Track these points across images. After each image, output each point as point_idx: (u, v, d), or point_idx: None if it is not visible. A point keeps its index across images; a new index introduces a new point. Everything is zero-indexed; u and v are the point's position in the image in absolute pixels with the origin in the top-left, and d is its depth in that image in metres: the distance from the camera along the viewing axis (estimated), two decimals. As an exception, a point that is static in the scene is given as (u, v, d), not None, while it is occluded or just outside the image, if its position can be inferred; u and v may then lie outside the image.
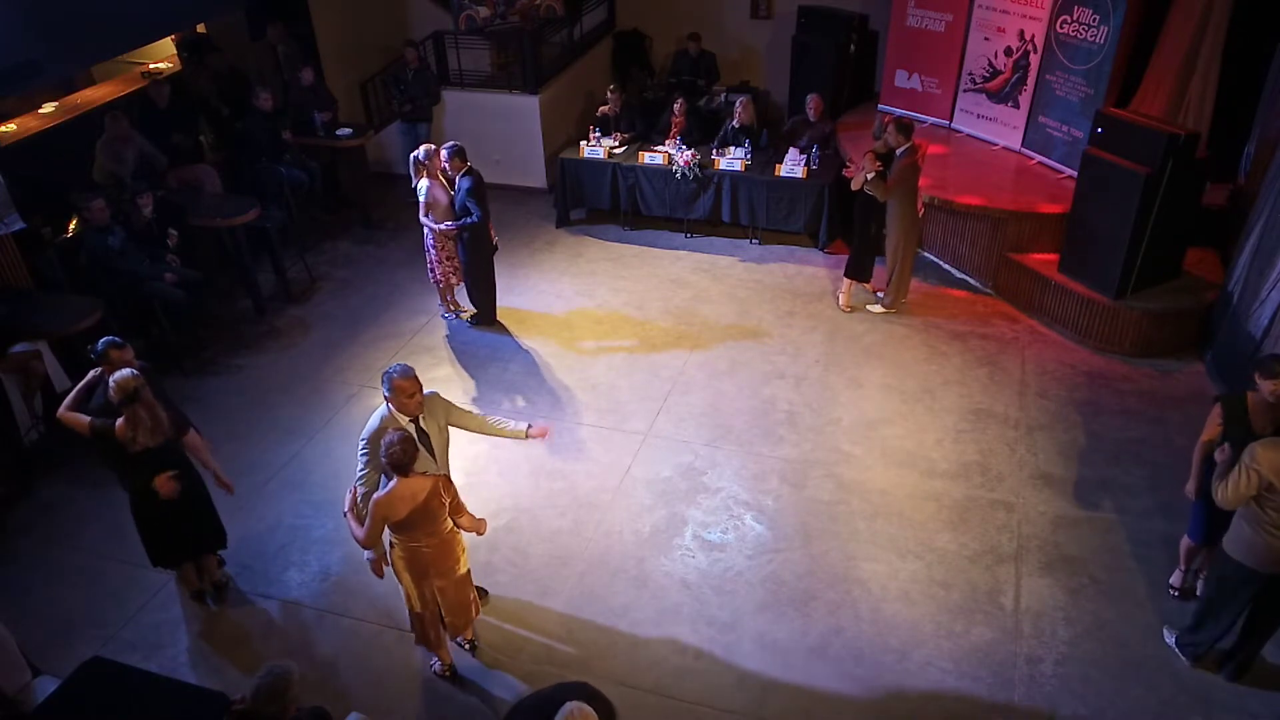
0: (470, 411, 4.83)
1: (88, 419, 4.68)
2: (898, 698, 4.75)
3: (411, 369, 4.48)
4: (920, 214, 7.55)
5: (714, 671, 4.90)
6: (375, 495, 4.26)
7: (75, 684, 4.23)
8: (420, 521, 4.25)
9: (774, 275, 8.54)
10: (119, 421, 4.59)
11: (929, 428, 6.57)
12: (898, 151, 7.16)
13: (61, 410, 4.79)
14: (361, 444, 4.51)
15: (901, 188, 7.23)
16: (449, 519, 4.38)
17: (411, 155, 7.37)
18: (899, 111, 9.59)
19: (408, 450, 4.11)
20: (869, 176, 7.14)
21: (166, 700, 4.21)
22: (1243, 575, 4.38)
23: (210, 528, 5.28)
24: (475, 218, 7.14)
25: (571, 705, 3.21)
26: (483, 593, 5.29)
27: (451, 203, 7.26)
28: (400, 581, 4.55)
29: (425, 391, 4.53)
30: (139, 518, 5.01)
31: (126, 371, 4.59)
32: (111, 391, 4.57)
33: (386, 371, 4.46)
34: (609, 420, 6.73)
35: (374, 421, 4.50)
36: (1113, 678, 4.80)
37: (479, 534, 4.52)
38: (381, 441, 4.16)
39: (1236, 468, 4.16)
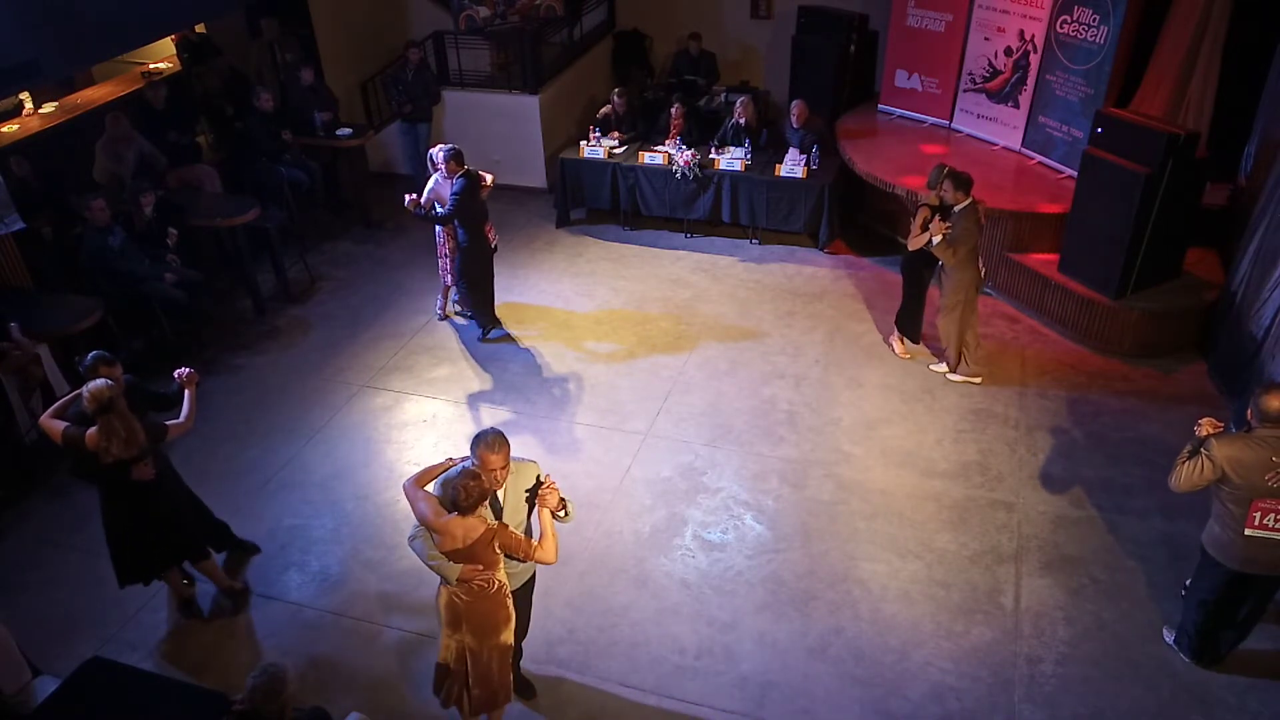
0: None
1: (62, 426, 4.58)
2: (898, 698, 4.75)
3: (506, 441, 3.91)
4: (983, 275, 6.79)
5: (714, 671, 4.90)
6: (438, 501, 3.87)
7: (75, 684, 4.23)
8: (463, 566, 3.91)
9: (774, 275, 8.54)
10: (90, 431, 4.50)
11: (929, 428, 6.57)
12: (955, 209, 6.45)
13: (42, 417, 4.71)
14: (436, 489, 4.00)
15: (964, 248, 6.49)
16: (499, 575, 3.95)
17: (430, 151, 7.45)
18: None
19: (472, 494, 3.72)
20: (935, 240, 6.47)
21: (166, 700, 4.21)
22: (1219, 572, 4.47)
23: (188, 536, 5.13)
24: (443, 213, 7.11)
25: None
26: (529, 689, 4.77)
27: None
28: (439, 620, 4.18)
29: (520, 459, 4.03)
30: (109, 530, 4.90)
31: (100, 381, 4.49)
32: (85, 401, 4.48)
33: (478, 435, 3.91)
34: (609, 420, 6.73)
35: (452, 471, 3.95)
36: (1113, 678, 4.80)
37: (548, 560, 3.96)
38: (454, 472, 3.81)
39: (1194, 457, 4.33)
